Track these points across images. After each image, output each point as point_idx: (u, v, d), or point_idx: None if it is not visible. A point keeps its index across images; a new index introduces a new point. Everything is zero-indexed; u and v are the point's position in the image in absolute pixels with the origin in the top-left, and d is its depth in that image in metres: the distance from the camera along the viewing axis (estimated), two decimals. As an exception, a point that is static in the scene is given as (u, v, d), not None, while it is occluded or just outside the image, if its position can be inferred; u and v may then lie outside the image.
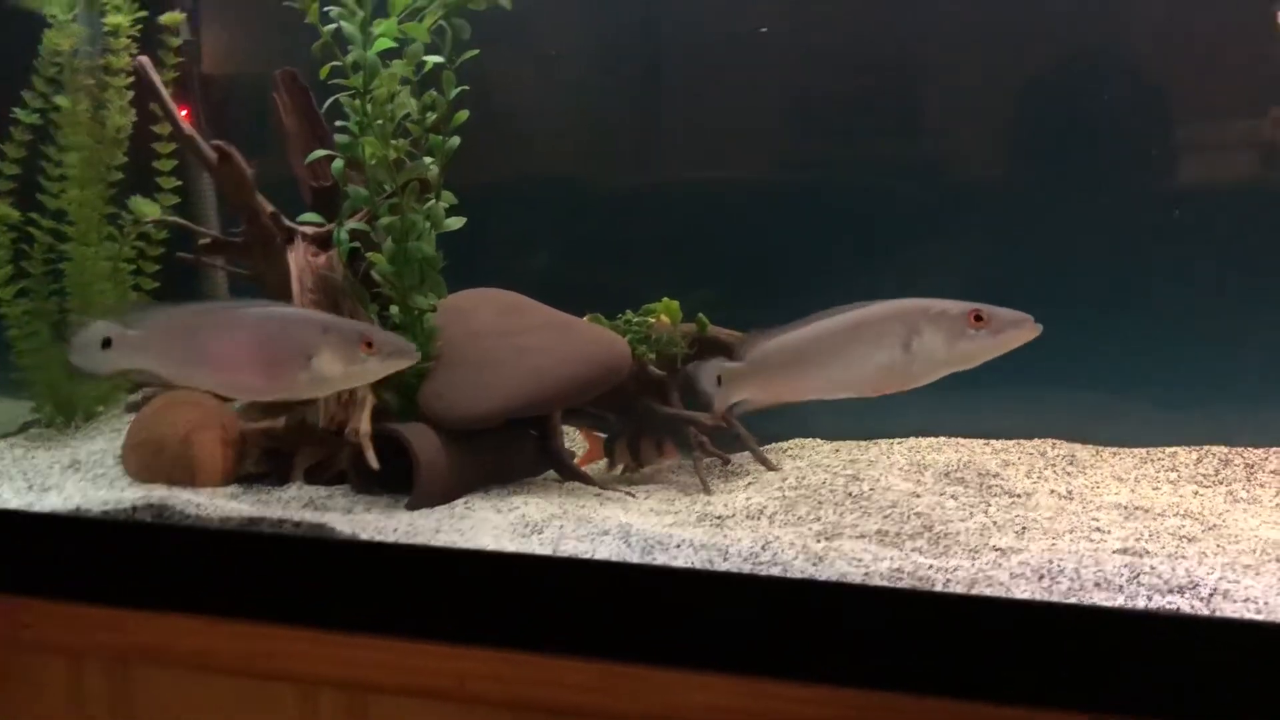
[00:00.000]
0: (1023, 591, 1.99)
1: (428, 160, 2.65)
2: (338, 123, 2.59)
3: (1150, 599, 1.94)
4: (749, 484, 2.87)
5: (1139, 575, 2.00)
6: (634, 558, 2.19)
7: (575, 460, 2.97)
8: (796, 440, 3.24)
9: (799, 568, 2.12)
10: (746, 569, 2.13)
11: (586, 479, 2.80)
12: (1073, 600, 1.95)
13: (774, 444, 3.21)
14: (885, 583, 2.05)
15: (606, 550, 2.22)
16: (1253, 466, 2.87)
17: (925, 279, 3.16)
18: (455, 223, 2.69)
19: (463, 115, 2.63)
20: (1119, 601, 1.94)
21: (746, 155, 3.39)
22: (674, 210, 3.36)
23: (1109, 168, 3.09)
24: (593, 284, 3.30)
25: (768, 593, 2.04)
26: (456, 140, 2.66)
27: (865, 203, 3.25)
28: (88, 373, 2.35)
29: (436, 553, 2.20)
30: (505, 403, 2.62)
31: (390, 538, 2.29)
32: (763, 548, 2.20)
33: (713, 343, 3.03)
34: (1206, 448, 2.98)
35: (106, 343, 2.32)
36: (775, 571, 2.12)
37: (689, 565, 2.15)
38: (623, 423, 2.96)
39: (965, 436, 3.14)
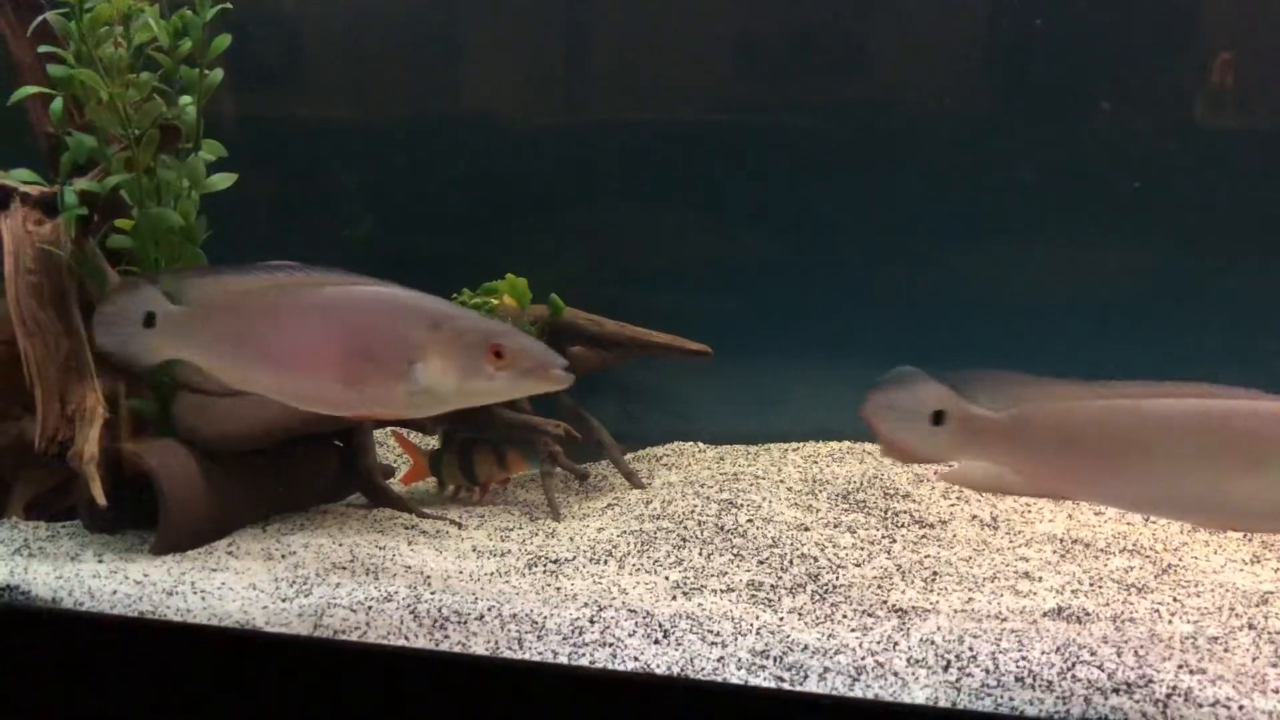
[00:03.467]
0: (922, 690, 1.49)
1: (184, 101, 2.06)
2: (41, 49, 1.97)
3: (1088, 703, 1.44)
4: (607, 507, 2.34)
5: (1074, 666, 1.51)
6: (419, 636, 1.65)
7: (396, 479, 2.42)
8: (676, 445, 2.71)
9: (634, 650, 1.60)
10: (564, 653, 1.60)
11: (401, 505, 2.25)
12: (983, 706, 1.45)
13: (648, 449, 2.68)
14: (743, 674, 1.54)
15: (384, 624, 1.67)
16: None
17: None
18: (222, 181, 2.10)
19: (223, 41, 2.04)
20: (1047, 707, 1.44)
21: (615, 98, 2.82)
22: (529, 169, 2.77)
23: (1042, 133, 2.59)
24: (426, 256, 2.72)
25: (583, 694, 1.52)
26: (219, 74, 2.06)
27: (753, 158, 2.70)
28: (121, 360, 1.70)
29: (148, 629, 1.65)
30: (279, 417, 2.05)
31: (103, 603, 1.73)
32: (591, 620, 1.67)
33: (569, 329, 2.49)
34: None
35: (149, 319, 1.68)
36: (602, 657, 1.59)
37: (488, 649, 1.62)
38: (454, 432, 2.40)
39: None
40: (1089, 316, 2.56)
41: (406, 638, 1.65)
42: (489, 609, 1.70)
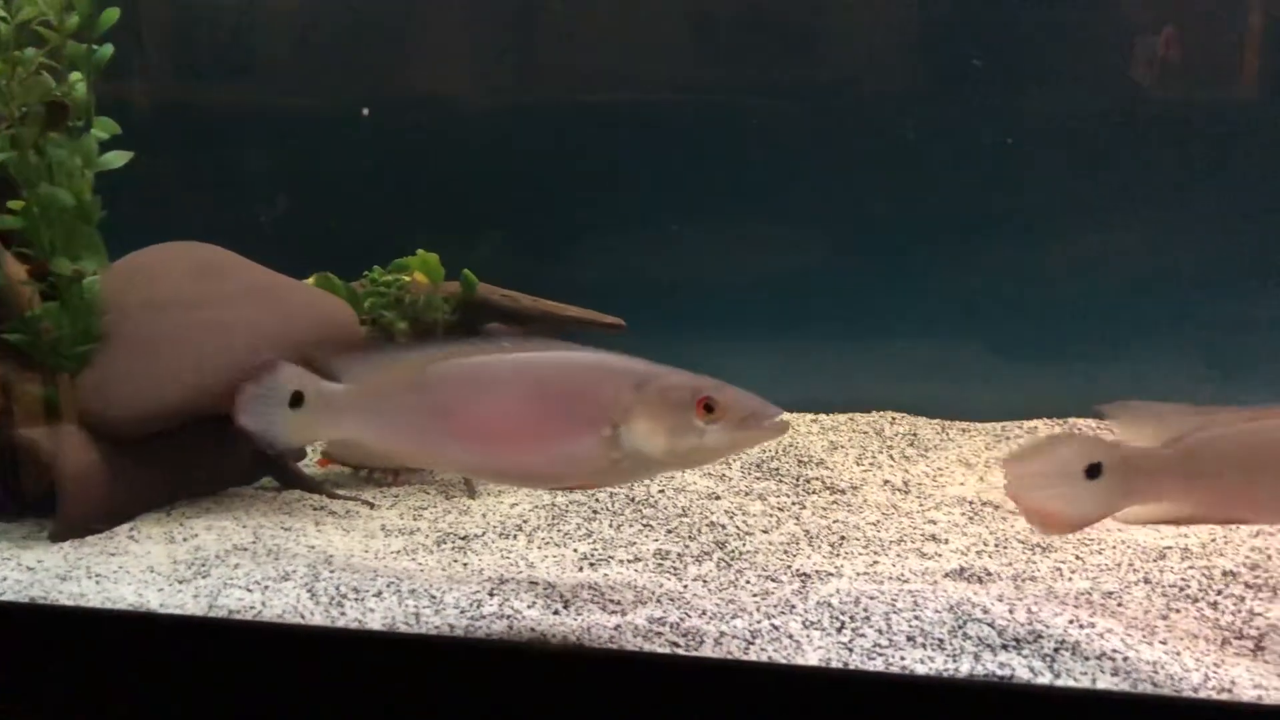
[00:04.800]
0: (815, 651, 1.49)
1: (74, 77, 2.01)
2: (-84, 24, 1.93)
3: (977, 659, 1.45)
4: (525, 483, 2.33)
5: (965, 624, 1.51)
6: (315, 613, 1.63)
7: (311, 461, 2.39)
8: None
9: (531, 621, 1.59)
10: (461, 627, 1.59)
11: (312, 486, 2.23)
12: (874, 665, 1.46)
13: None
14: (639, 642, 1.54)
15: (281, 603, 1.65)
16: (1124, 440, 2.43)
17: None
18: (116, 160, 2.06)
19: (112, 15, 1.99)
20: (937, 665, 1.45)
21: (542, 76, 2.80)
22: (442, 148, 2.74)
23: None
24: (340, 237, 2.68)
25: (468, 665, 1.50)
26: (108, 50, 2.02)
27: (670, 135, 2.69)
28: (265, 443, 1.65)
29: (37, 614, 1.61)
30: (185, 399, 2.01)
31: (-7, 591, 1.70)
32: (490, 593, 1.66)
33: (483, 305, 2.46)
34: (1073, 420, 2.52)
35: (296, 399, 1.63)
36: (498, 629, 1.58)
37: (385, 625, 1.60)
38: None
39: (796, 410, 2.64)
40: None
41: (303, 616, 1.63)
42: (387, 585, 1.68)
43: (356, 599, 1.66)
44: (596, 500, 2.11)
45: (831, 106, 2.62)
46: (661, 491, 2.12)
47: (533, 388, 1.58)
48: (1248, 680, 1.42)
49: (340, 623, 1.60)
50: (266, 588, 1.69)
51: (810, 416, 2.59)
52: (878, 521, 2.03)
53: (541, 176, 2.72)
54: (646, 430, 1.51)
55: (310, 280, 2.33)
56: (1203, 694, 1.40)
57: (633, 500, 2.09)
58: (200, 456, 2.15)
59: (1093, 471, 1.51)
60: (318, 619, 1.62)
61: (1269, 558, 1.81)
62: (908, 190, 2.57)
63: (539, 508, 2.11)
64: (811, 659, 1.48)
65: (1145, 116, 2.48)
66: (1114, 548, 1.91)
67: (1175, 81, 2.49)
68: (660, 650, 1.51)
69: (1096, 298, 2.53)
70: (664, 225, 2.66)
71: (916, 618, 1.53)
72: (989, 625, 1.51)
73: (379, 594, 1.66)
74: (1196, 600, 1.66)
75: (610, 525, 2.01)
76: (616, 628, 1.56)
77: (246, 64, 2.78)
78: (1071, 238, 2.56)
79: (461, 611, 1.61)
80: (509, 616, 1.60)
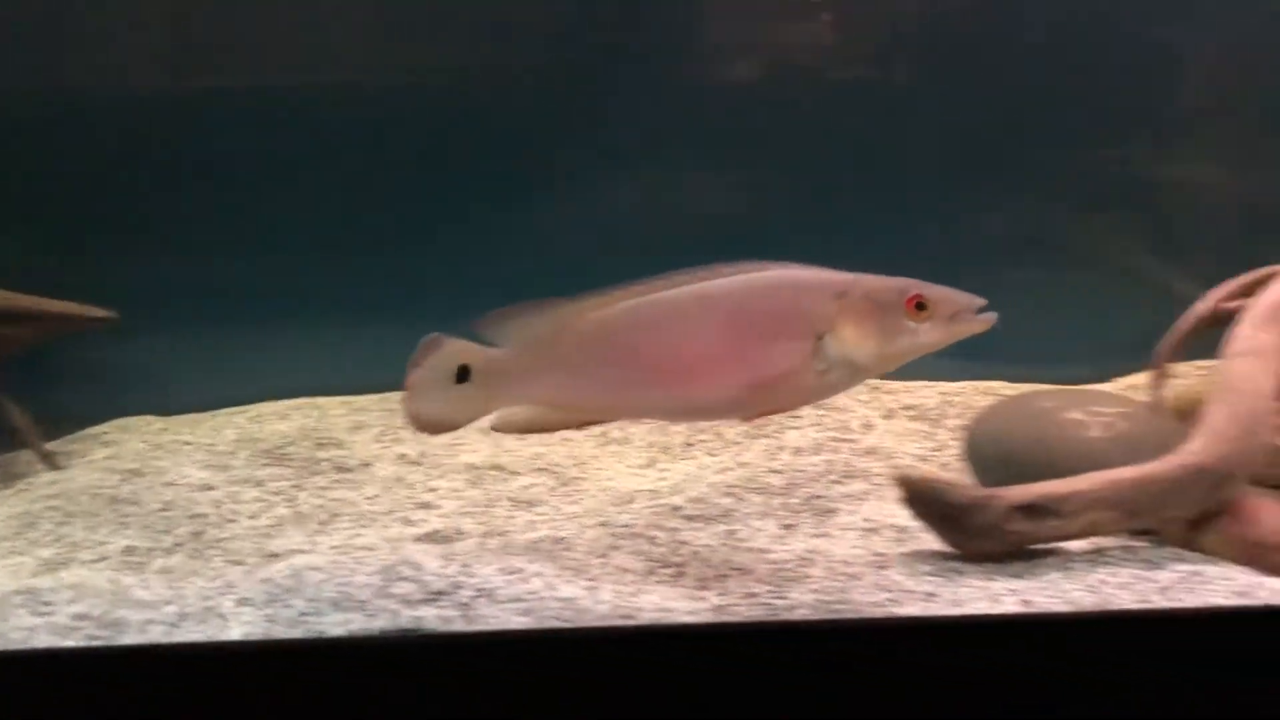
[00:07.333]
0: (242, 627, 1.47)
1: None
2: None
3: (395, 616, 1.49)
4: (16, 493, 2.17)
5: (393, 584, 1.55)
6: None
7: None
8: (122, 421, 2.56)
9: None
10: None
11: None
12: (294, 633, 1.46)
13: (84, 431, 2.52)
14: (55, 639, 1.46)
15: None
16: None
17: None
18: None
19: None
20: (355, 625, 1.47)
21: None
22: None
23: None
24: None
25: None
26: None
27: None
28: (446, 426, 1.60)
29: None
30: None
31: None
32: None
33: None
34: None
35: (463, 373, 1.56)
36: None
37: None
38: None
39: (328, 395, 2.61)
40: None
41: None
42: None
43: None
44: (76, 504, 1.99)
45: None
46: (149, 489, 2.04)
47: (727, 314, 1.53)
48: (653, 604, 1.53)
49: None
50: None
51: (343, 399, 2.58)
52: (375, 496, 2.05)
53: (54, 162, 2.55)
54: (856, 336, 1.49)
55: None
56: (609, 623, 1.50)
57: (115, 500, 1.99)
58: None
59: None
60: None
61: (724, 491, 1.96)
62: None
63: (10, 517, 1.97)
64: (235, 634, 1.47)
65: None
66: (593, 496, 2.02)
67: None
68: (78, 645, 1.45)
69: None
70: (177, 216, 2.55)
71: (347, 583, 1.55)
72: (415, 583, 1.55)
73: None
74: (638, 536, 1.78)
75: (84, 527, 1.90)
76: (31, 629, 1.48)
77: None
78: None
79: None
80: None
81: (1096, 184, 2.76)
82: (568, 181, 2.59)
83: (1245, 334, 1.69)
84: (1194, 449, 1.60)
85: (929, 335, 1.50)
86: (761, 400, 1.55)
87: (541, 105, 2.61)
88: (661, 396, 1.57)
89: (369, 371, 2.58)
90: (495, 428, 1.62)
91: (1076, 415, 1.80)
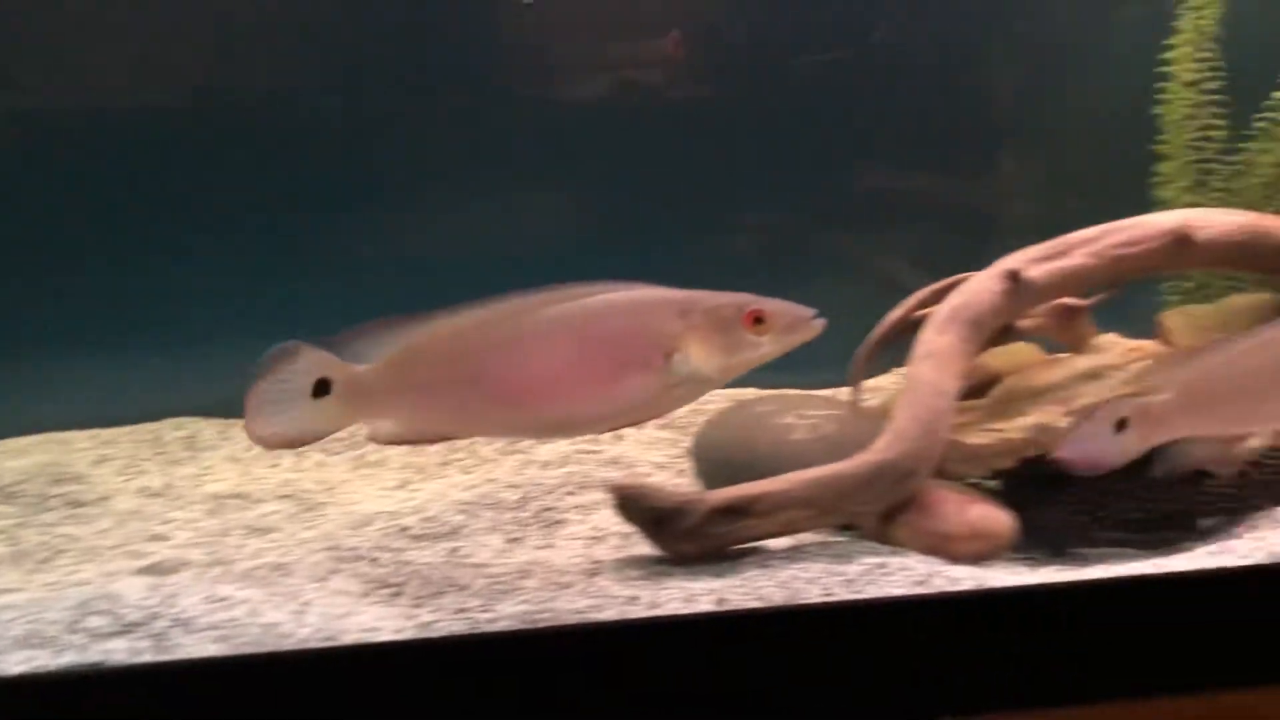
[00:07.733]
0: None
1: None
2: None
3: (84, 650, 1.46)
4: None
5: (86, 618, 1.50)
6: None
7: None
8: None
9: None
10: None
11: None
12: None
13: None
14: None
15: None
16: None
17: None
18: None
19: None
20: (39, 661, 1.43)
21: None
22: None
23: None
24: None
25: None
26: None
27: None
28: (292, 441, 1.52)
29: None
30: None
31: None
32: None
33: None
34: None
35: (321, 387, 1.49)
36: None
37: None
38: None
39: (77, 428, 2.53)
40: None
41: None
42: None
43: None
44: None
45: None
46: None
47: (576, 336, 1.57)
48: (360, 625, 1.53)
49: None
50: None
51: (90, 433, 2.50)
52: (107, 530, 2.00)
53: None
54: (702, 353, 1.56)
55: None
56: (310, 645, 1.50)
57: None
58: None
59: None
60: None
61: (458, 509, 1.98)
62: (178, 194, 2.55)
63: None
64: (-90, 682, 1.42)
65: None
66: (331, 522, 2.01)
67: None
68: None
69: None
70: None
71: (37, 619, 1.51)
72: (112, 615, 1.52)
73: None
74: (362, 559, 1.78)
75: None
76: None
77: None
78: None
79: None
80: None
81: (855, 197, 2.91)
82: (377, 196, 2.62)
83: (927, 338, 1.80)
84: (879, 447, 1.70)
85: (768, 347, 1.59)
86: (614, 417, 1.62)
87: (363, 121, 2.64)
88: (517, 416, 1.61)
89: (121, 404, 2.53)
90: (371, 437, 1.60)
91: (786, 419, 1.89)
